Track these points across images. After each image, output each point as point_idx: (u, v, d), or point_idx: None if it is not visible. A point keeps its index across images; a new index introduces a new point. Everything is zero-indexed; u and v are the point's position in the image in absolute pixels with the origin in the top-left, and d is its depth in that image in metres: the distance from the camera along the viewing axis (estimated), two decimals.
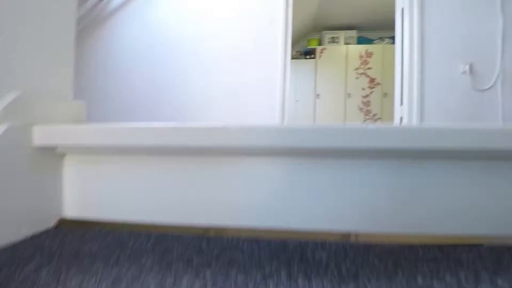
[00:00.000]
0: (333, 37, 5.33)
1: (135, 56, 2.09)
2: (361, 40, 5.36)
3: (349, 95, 5.16)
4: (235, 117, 1.98)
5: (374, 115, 5.12)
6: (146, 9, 2.09)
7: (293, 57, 5.70)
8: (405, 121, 1.96)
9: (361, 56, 5.18)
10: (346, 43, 5.29)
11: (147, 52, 2.07)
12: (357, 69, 5.16)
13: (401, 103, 2.02)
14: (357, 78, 5.16)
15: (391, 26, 5.84)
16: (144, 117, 2.02)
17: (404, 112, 1.97)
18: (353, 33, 5.33)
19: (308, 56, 5.41)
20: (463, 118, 1.87)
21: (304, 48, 5.60)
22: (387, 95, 5.11)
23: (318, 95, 5.20)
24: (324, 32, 5.38)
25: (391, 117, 5.25)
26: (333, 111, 5.17)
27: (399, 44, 2.04)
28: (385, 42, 5.21)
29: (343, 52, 5.20)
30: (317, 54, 5.23)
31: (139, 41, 2.09)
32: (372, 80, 5.15)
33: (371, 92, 5.15)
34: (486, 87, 1.86)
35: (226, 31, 2.03)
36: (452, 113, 1.88)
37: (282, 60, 1.98)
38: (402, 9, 2.03)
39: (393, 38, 5.47)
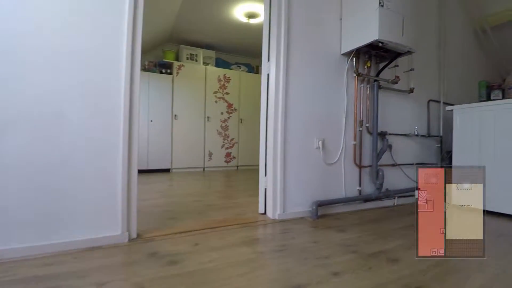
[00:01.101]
0: (191, 54, 4.98)
1: None
2: (219, 63, 5.29)
3: (208, 118, 4.99)
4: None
5: (232, 139, 5.20)
6: None
7: (145, 68, 4.91)
8: (269, 192, 1.87)
9: (219, 80, 5.11)
10: (205, 63, 5.08)
11: None
12: (216, 92, 5.06)
13: (265, 174, 1.93)
14: (216, 101, 5.06)
15: (247, 53, 6.15)
16: None
17: (269, 183, 1.88)
18: (212, 53, 5.19)
19: (164, 71, 4.81)
20: (316, 188, 1.98)
21: (159, 59, 4.95)
22: (244, 121, 5.31)
23: (176, 115, 4.73)
24: (182, 46, 4.95)
25: (247, 142, 5.50)
26: (193, 133, 4.86)
27: (264, 112, 1.94)
28: (241, 69, 5.38)
29: (202, 73, 4.97)
30: (175, 70, 4.74)
31: None
32: (230, 106, 5.20)
33: (229, 117, 5.19)
34: (333, 161, 2.04)
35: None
36: (307, 183, 1.95)
37: (128, 64, 1.41)
38: (268, 75, 1.93)
39: (248, 65, 5.76)
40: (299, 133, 1.91)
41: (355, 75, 2.09)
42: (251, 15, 4.03)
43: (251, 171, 4.98)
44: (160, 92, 4.64)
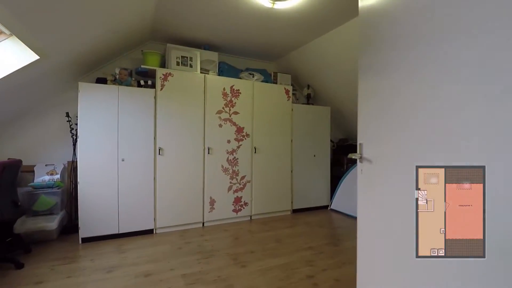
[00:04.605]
0: (183, 57, 3.41)
1: None
2: (224, 69, 3.73)
3: (209, 150, 3.45)
4: None
5: (243, 177, 3.67)
6: None
7: (115, 79, 3.00)
8: None
9: (225, 94, 3.56)
10: (204, 70, 3.52)
11: None
12: (220, 112, 3.51)
13: None
14: (220, 125, 3.52)
15: (261, 55, 4.56)
16: None
17: None
18: (214, 56, 3.62)
19: (143, 83, 3.25)
20: None
21: (137, 65, 3.39)
22: (258, 151, 3.77)
23: (160, 149, 3.18)
24: (170, 45, 3.38)
25: (263, 180, 3.97)
26: (186, 174, 3.31)
27: None
28: (255, 78, 3.81)
29: (200, 84, 3.41)
30: (158, 80, 3.18)
31: None
32: (240, 130, 3.65)
33: (239, 146, 3.64)
34: None
35: None
36: None
37: None
38: None
39: (263, 72, 4.17)
40: None
41: None
42: None
43: (272, 225, 3.45)
44: (136, 115, 3.07)
